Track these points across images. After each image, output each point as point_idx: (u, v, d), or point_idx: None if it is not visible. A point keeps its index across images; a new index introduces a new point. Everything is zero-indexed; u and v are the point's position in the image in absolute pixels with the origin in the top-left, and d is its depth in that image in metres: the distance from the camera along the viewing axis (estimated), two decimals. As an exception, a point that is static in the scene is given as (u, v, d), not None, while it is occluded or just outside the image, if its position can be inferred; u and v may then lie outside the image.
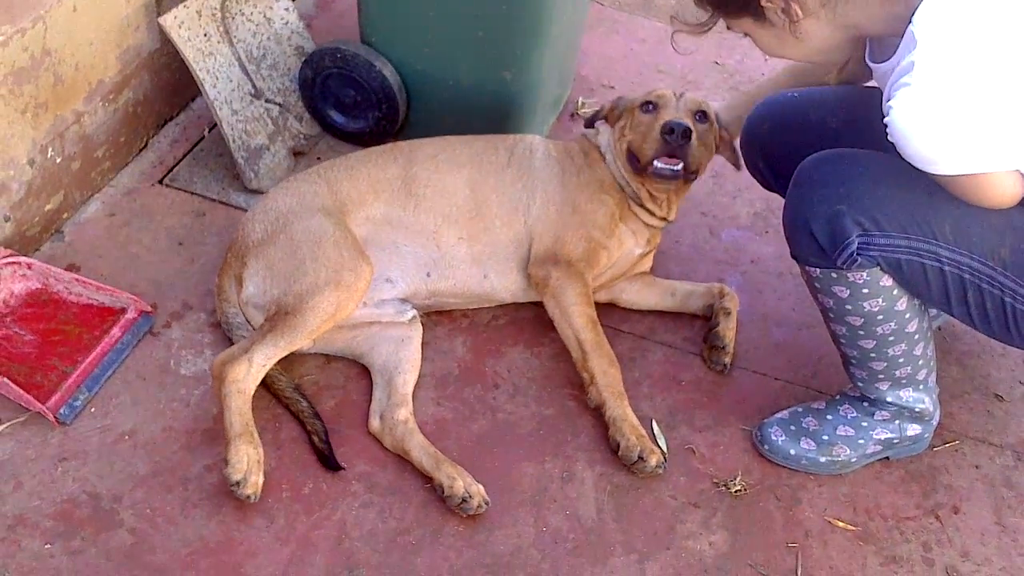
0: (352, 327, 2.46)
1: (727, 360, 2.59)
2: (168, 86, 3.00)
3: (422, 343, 2.50)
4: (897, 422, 2.36)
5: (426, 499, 2.24)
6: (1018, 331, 2.07)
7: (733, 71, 3.68)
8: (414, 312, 2.53)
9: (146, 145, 2.99)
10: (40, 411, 2.24)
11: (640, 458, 2.31)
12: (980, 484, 2.44)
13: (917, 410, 2.35)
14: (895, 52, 1.93)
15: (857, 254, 2.02)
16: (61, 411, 2.27)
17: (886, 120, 1.85)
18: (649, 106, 2.52)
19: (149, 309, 2.49)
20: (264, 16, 2.99)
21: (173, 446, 2.27)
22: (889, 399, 2.34)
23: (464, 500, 2.19)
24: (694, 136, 2.42)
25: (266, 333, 2.27)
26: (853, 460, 2.39)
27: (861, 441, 2.37)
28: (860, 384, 2.34)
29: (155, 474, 2.21)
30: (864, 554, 2.26)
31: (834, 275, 2.11)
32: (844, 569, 2.23)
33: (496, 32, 2.73)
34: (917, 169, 1.91)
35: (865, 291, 2.11)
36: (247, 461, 2.16)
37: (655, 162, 2.45)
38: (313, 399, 2.39)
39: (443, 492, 2.21)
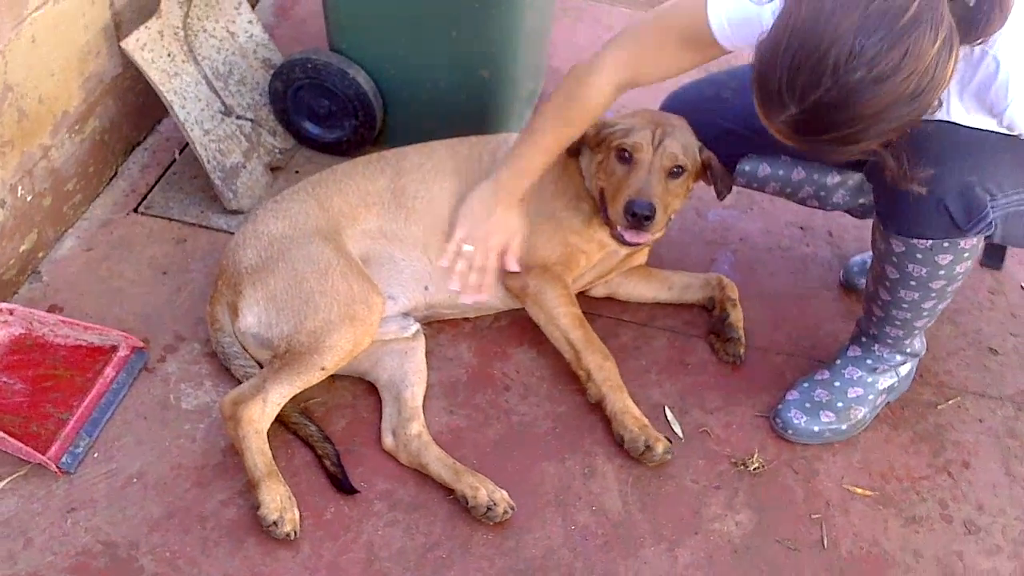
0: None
1: (742, 351, 2.59)
2: (133, 111, 2.90)
3: (427, 352, 2.46)
4: (894, 368, 2.43)
5: (451, 511, 2.21)
6: None
7: (697, 48, 3.66)
8: (417, 326, 2.49)
9: (116, 173, 2.90)
10: (41, 462, 2.16)
11: (647, 447, 2.30)
12: (985, 437, 2.48)
13: (917, 353, 2.45)
14: None
15: (992, 221, 2.06)
16: (63, 460, 2.19)
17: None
18: (625, 154, 2.39)
19: (141, 344, 2.41)
20: (227, 31, 2.91)
21: (185, 484, 2.20)
22: (908, 351, 2.42)
23: (489, 508, 2.17)
24: (658, 213, 2.34)
25: (279, 371, 2.21)
26: (868, 416, 2.44)
27: (871, 396, 2.43)
28: (890, 341, 2.39)
29: (170, 515, 2.15)
30: (885, 517, 2.29)
31: (946, 244, 2.11)
32: (868, 534, 2.25)
33: (471, 31, 2.69)
34: None
35: (966, 255, 2.15)
36: (280, 499, 2.11)
37: (619, 229, 2.41)
38: (322, 421, 2.34)
39: (467, 503, 2.18)
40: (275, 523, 2.09)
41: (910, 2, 1.61)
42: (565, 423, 2.41)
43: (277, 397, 2.20)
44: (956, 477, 2.39)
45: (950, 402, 2.55)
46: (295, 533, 2.12)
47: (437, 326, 2.58)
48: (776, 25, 1.73)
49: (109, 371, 2.34)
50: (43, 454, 2.15)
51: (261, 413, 2.18)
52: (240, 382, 2.33)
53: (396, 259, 2.47)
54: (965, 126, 2.00)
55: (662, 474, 2.32)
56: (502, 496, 2.19)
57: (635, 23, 2.24)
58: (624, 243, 2.44)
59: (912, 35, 1.61)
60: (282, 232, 2.38)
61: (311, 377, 2.23)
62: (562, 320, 2.45)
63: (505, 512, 2.18)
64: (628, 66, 2.22)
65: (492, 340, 2.59)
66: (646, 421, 2.36)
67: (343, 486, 2.23)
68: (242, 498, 2.18)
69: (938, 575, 2.19)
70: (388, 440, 2.31)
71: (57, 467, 2.17)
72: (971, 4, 1.68)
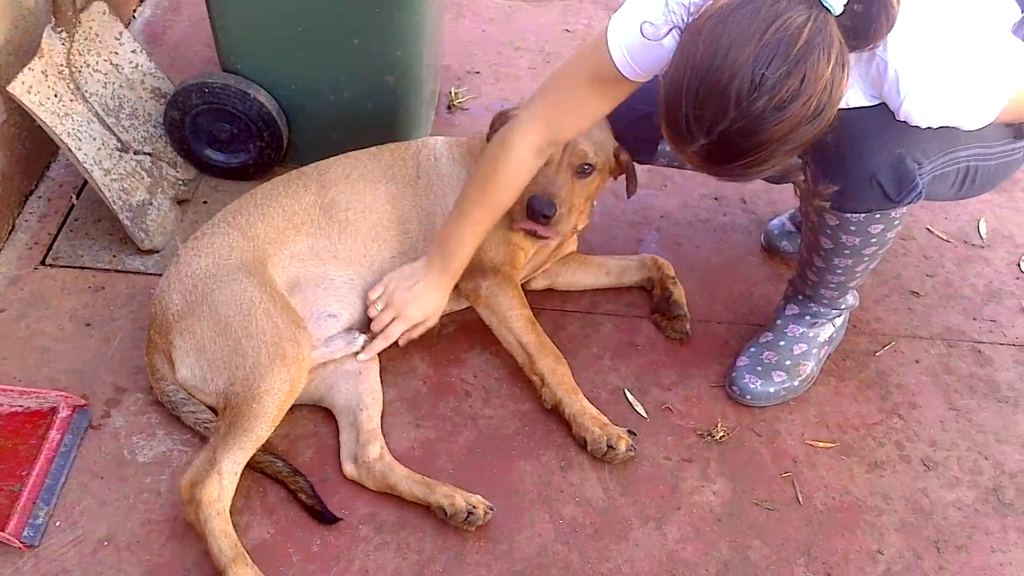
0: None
1: (688, 326, 2.62)
2: (22, 159, 2.71)
3: (381, 368, 2.40)
4: (830, 321, 2.52)
5: (438, 524, 2.16)
6: (978, 185, 2.26)
7: (584, 35, 3.69)
8: (364, 338, 2.41)
9: (14, 227, 2.70)
10: (2, 540, 2.00)
11: (609, 447, 2.30)
12: (925, 377, 2.59)
13: (851, 306, 2.54)
14: None
15: (922, 189, 2.11)
16: (25, 533, 2.04)
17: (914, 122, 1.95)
18: None
19: (82, 402, 2.26)
20: (110, 63, 2.74)
21: (159, 539, 2.08)
22: (843, 306, 2.51)
23: (470, 513, 2.13)
24: (559, 213, 2.35)
25: (226, 435, 2.09)
26: (815, 370, 2.52)
27: (814, 350, 2.51)
28: (825, 301, 2.47)
29: (150, 573, 2.02)
30: (849, 466, 2.37)
31: (878, 215, 2.17)
32: (837, 485, 2.32)
33: (374, 37, 2.61)
34: None
35: (896, 222, 2.20)
36: None
37: (518, 224, 2.41)
38: (288, 454, 2.25)
39: (446, 514, 2.14)
40: None
41: (801, 28, 1.66)
42: (532, 420, 2.40)
43: (231, 466, 2.08)
44: (906, 418, 2.49)
45: (886, 348, 2.65)
46: None
47: (388, 341, 2.52)
48: (675, 63, 1.76)
49: (54, 434, 2.19)
50: (2, 530, 2.00)
51: (220, 490, 2.05)
52: (193, 429, 2.24)
53: (332, 276, 2.39)
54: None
55: (636, 455, 2.33)
56: (478, 499, 2.16)
57: (544, 82, 2.25)
58: (536, 236, 2.43)
59: (808, 60, 1.66)
60: (205, 270, 2.26)
61: (259, 431, 2.11)
62: (515, 323, 2.42)
63: (486, 513, 2.15)
64: (544, 126, 2.22)
65: (444, 348, 2.55)
66: (605, 419, 2.35)
67: (324, 517, 2.15)
68: (221, 546, 2.07)
69: (909, 513, 2.28)
70: (349, 468, 2.24)
71: (20, 542, 2.02)
72: (859, 11, 1.72)
